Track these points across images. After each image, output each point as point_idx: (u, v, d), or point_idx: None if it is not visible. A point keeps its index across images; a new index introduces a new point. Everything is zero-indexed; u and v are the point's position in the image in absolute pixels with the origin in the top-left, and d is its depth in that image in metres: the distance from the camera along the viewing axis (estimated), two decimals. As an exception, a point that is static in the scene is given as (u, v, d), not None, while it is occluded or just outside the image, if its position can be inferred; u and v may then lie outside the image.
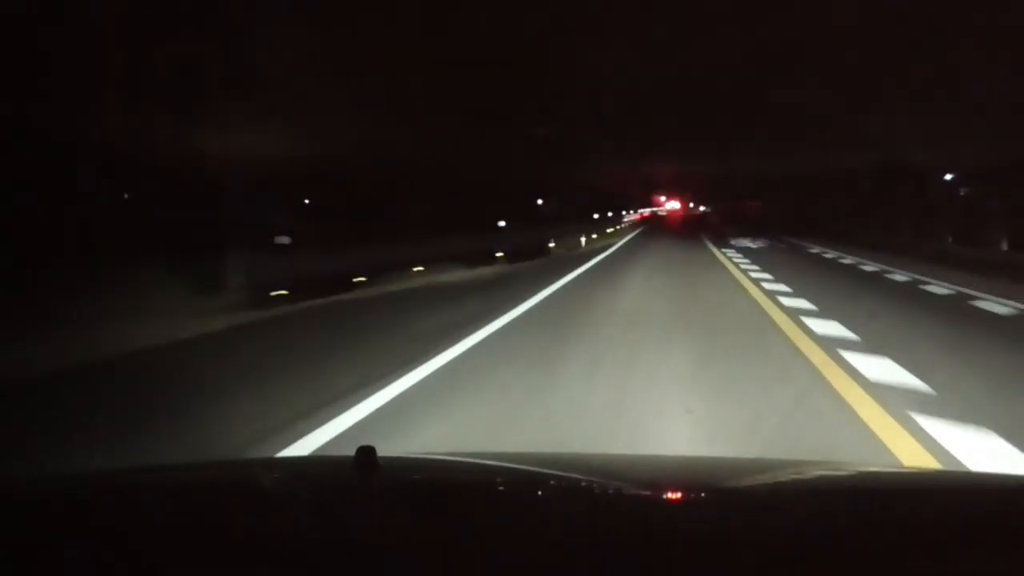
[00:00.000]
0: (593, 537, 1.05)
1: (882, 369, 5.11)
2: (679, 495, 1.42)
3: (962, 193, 30.29)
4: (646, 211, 75.93)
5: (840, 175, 52.29)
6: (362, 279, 11.45)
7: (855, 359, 5.44)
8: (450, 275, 13.42)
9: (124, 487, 1.36)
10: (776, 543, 1.03)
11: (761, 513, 1.22)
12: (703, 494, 1.41)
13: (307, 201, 32.55)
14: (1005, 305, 8.59)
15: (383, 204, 27.92)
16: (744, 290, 10.31)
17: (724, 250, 19.39)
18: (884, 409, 4.11)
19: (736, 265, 14.43)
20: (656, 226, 46.03)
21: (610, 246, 23.27)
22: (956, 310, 8.54)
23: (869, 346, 5.93)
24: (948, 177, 40.65)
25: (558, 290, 10.75)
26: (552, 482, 1.46)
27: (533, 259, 17.65)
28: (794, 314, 7.71)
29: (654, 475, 1.61)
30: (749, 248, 20.61)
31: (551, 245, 19.41)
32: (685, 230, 37.24)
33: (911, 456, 3.38)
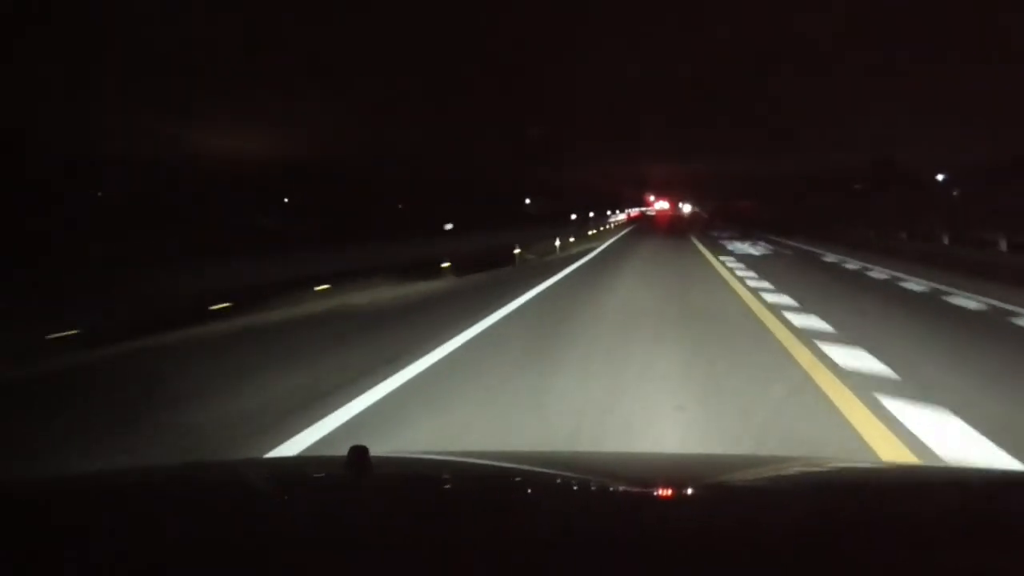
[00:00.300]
0: (586, 535, 1.04)
1: None
2: (671, 492, 1.38)
3: (955, 194, 28.31)
4: (635, 211, 74.36)
5: (838, 175, 50.39)
6: (226, 305, 8.15)
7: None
8: (367, 295, 10.12)
9: (119, 488, 1.34)
10: (768, 540, 1.01)
11: (753, 510, 1.22)
12: (696, 491, 1.39)
13: (286, 200, 30.09)
14: None
15: (353, 205, 25.85)
16: (763, 326, 7.06)
17: (722, 258, 16.15)
18: None
19: (741, 280, 11.19)
20: (645, 226, 42.92)
21: (591, 251, 20.05)
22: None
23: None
24: (940, 177, 38.90)
25: (499, 322, 7.49)
26: (545, 481, 1.45)
27: (490, 270, 14.38)
28: (861, 386, 4.47)
29: (646, 473, 1.60)
30: (750, 255, 17.38)
31: (516, 251, 16.16)
32: (674, 232, 34.09)
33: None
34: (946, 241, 16.55)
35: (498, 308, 8.35)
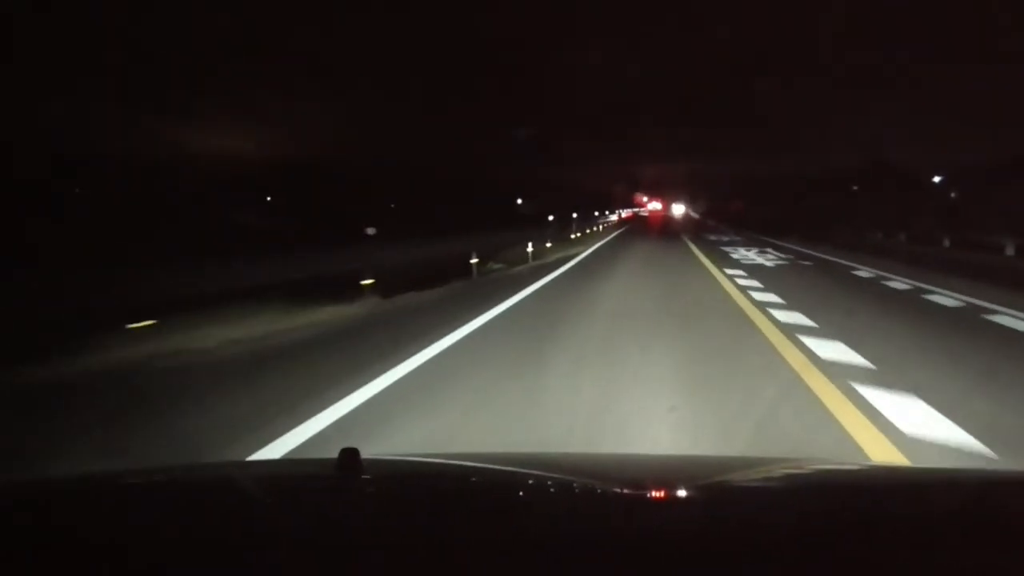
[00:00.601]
0: (578, 536, 1.02)
1: None
2: (663, 493, 1.35)
3: (953, 196, 29.43)
4: (627, 212, 72.55)
5: (837, 175, 48.36)
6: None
7: None
8: (224, 332, 6.82)
9: (115, 489, 1.32)
10: (765, 540, 0.99)
11: (749, 511, 1.19)
12: (687, 492, 1.35)
13: (269, 199, 28.60)
14: None
15: (347, 204, 23.93)
16: (830, 417, 3.81)
17: (729, 271, 12.91)
18: None
19: (763, 310, 7.94)
20: (636, 228, 39.72)
21: (572, 258, 16.79)
22: None
23: None
24: (937, 179, 37.01)
25: (375, 402, 4.26)
26: (537, 482, 1.42)
27: (433, 286, 11.10)
28: None
29: (638, 474, 1.56)
30: (762, 267, 14.14)
31: (473, 261, 12.86)
32: (668, 235, 30.88)
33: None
34: (1011, 252, 13.28)
35: (397, 364, 5.10)
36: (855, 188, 45.94)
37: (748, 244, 22.26)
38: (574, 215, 27.34)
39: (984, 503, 1.22)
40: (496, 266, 15.48)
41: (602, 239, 26.24)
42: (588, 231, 29.35)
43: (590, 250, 19.84)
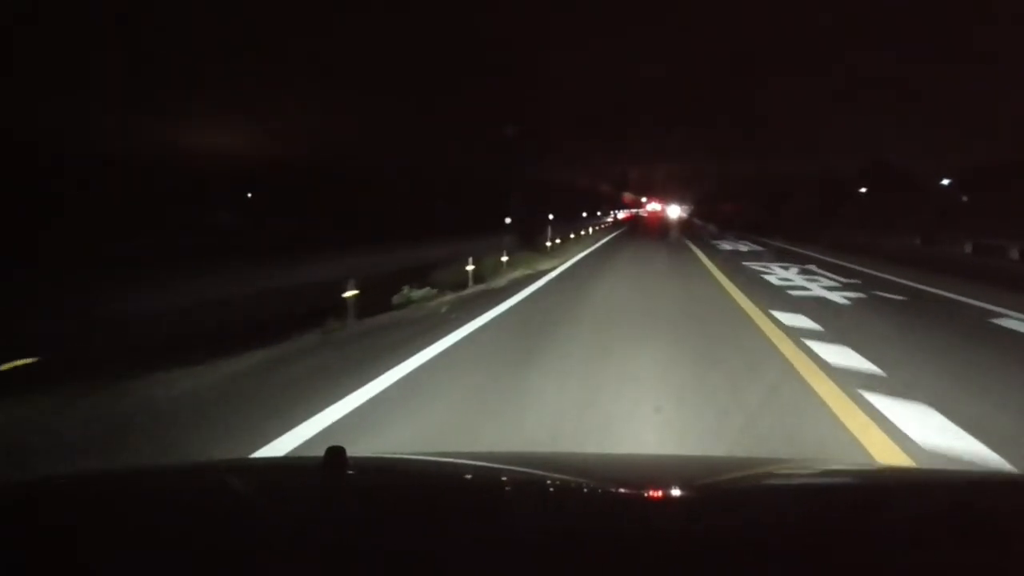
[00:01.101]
0: (567, 536, 1.00)
1: None
2: (652, 493, 1.32)
3: (964, 199, 28.06)
4: (623, 213, 69.25)
5: (838, 176, 45.42)
6: None
7: None
8: None
9: (108, 489, 1.29)
10: (759, 540, 0.97)
11: (744, 511, 1.17)
12: (677, 492, 1.32)
13: (249, 195, 26.72)
14: None
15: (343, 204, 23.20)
16: None
17: (779, 315, 7.64)
18: None
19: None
20: (632, 233, 34.62)
21: (536, 279, 11.62)
22: None
23: None
24: (945, 182, 35.73)
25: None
26: (525, 481, 1.39)
27: (250, 349, 5.86)
28: None
29: (627, 473, 1.53)
30: (833, 307, 8.84)
31: (349, 293, 7.67)
32: (670, 242, 25.69)
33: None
34: None
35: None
36: (862, 191, 43.11)
37: (779, 259, 16.90)
38: (550, 216, 21.98)
39: (983, 504, 1.18)
40: (416, 294, 10.23)
41: (588, 247, 20.92)
42: (572, 236, 24.10)
43: (565, 266, 14.55)
